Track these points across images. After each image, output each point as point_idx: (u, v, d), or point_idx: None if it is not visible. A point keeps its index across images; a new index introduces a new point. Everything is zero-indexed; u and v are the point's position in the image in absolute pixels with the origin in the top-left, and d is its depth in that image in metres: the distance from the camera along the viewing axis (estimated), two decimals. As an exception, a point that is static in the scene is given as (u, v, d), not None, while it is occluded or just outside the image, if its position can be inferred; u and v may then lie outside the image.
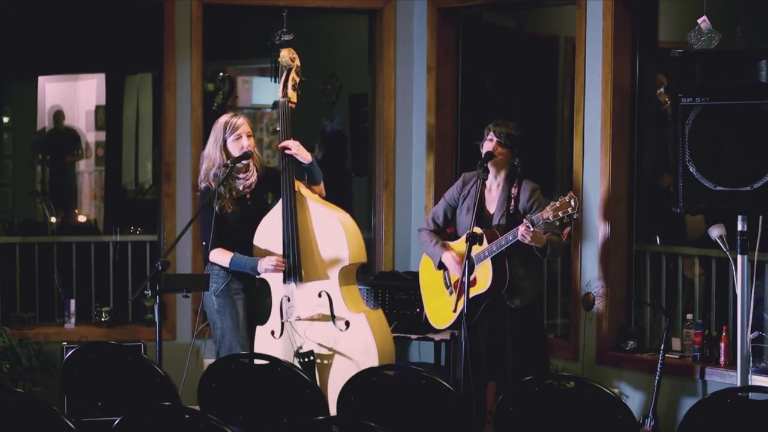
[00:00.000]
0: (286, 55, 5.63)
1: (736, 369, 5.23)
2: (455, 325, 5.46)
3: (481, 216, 5.43)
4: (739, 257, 5.14)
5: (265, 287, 5.58)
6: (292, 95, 5.60)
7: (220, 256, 5.46)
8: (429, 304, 5.70)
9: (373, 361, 5.33)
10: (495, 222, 5.45)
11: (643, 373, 5.96)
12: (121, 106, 9.15)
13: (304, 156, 5.53)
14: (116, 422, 3.66)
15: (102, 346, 4.82)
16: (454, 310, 5.38)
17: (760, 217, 5.28)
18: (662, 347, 5.75)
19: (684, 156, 5.08)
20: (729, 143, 5.03)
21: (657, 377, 5.73)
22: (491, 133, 5.45)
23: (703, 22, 5.38)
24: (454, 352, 5.68)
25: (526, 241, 5.17)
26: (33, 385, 6.20)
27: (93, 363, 4.55)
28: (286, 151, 5.52)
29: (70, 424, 3.60)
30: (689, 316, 5.97)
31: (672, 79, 5.23)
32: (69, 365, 4.57)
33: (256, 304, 5.63)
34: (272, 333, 5.54)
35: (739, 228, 5.13)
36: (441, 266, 5.55)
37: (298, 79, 5.63)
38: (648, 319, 6.31)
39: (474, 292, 5.34)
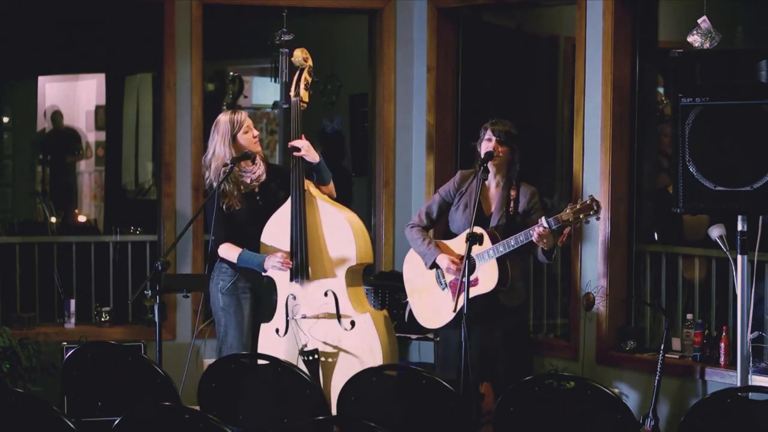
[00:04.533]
0: (299, 54, 5.64)
1: (736, 369, 5.23)
2: (451, 324, 5.40)
3: (480, 216, 5.39)
4: (739, 257, 5.13)
5: (272, 284, 5.59)
6: (304, 95, 5.61)
7: (229, 252, 5.49)
8: (418, 303, 5.63)
9: (377, 362, 5.32)
10: (494, 223, 5.42)
11: (643, 373, 5.95)
12: (121, 106, 9.16)
13: (312, 157, 5.53)
14: (116, 422, 3.65)
15: (102, 346, 4.82)
16: (454, 310, 5.32)
17: (760, 217, 5.28)
18: (662, 347, 5.74)
19: (684, 156, 5.08)
20: (729, 143, 5.03)
21: (657, 377, 5.73)
22: (489, 132, 5.43)
23: (703, 21, 5.38)
24: (440, 354, 5.63)
25: (542, 243, 5.16)
26: (33, 385, 6.19)
27: (93, 363, 4.55)
28: (295, 153, 5.52)
29: (70, 424, 3.60)
30: (689, 316, 5.96)
31: (672, 79, 5.21)
32: (69, 365, 4.56)
33: (262, 301, 5.64)
34: (277, 331, 5.54)
35: (739, 228, 5.12)
36: (434, 266, 5.49)
37: (310, 79, 5.65)
38: (648, 319, 6.31)
39: (476, 292, 5.30)
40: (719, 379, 5.68)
